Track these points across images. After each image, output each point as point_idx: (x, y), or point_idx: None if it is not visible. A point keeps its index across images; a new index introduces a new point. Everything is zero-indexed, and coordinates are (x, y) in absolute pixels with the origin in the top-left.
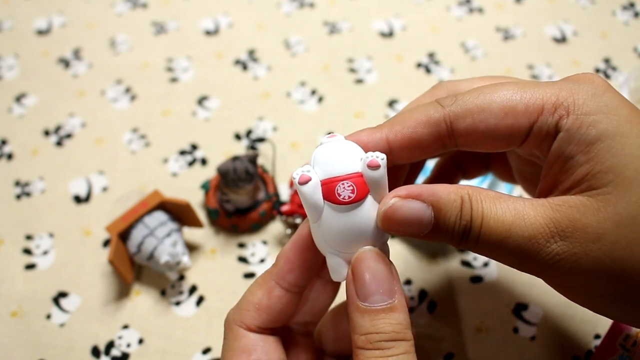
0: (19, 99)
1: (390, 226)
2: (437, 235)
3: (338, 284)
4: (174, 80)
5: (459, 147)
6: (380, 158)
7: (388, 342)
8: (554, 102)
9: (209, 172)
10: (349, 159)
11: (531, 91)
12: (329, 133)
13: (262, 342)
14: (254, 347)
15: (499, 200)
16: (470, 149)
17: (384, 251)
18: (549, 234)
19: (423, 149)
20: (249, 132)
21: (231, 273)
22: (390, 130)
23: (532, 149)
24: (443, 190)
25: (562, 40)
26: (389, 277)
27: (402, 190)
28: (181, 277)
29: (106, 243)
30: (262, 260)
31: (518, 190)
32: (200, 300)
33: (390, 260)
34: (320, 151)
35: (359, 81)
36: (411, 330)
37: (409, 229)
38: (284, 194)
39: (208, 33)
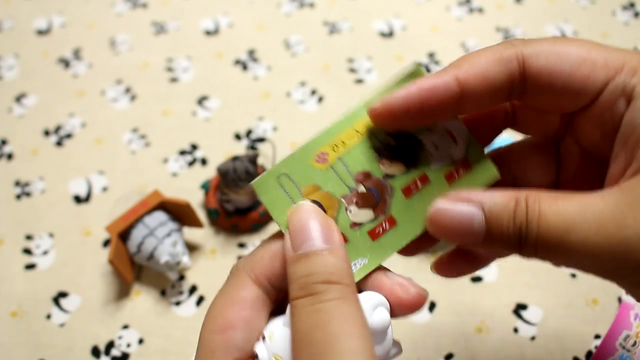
0: (19, 99)
1: (438, 231)
2: (492, 242)
3: None
4: (174, 80)
5: (526, 92)
6: None
7: (321, 285)
8: (635, 64)
9: (209, 172)
10: None
11: (612, 50)
12: None
13: (259, 301)
14: (251, 301)
15: (562, 198)
16: (537, 95)
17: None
18: (621, 218)
19: (495, 91)
20: (249, 132)
21: None
22: (458, 70)
23: (601, 111)
24: (497, 193)
25: None
26: (323, 225)
27: (452, 194)
28: (181, 277)
29: (106, 243)
30: None
31: None
32: (200, 300)
33: (325, 214)
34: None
35: (359, 81)
36: (351, 278)
37: (459, 235)
38: None
39: (208, 33)
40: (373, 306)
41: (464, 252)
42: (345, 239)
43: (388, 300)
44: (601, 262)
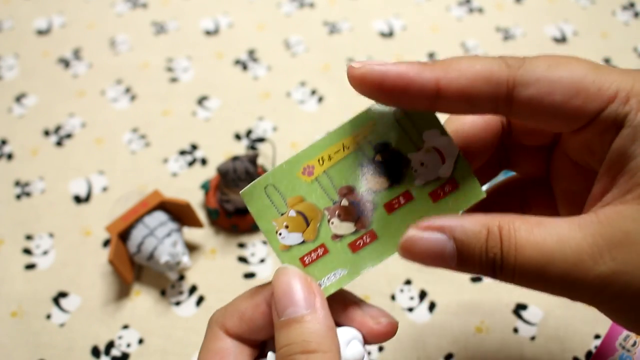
0: (19, 99)
1: (412, 259)
2: (465, 269)
3: None
4: (174, 80)
5: (511, 114)
6: None
7: (299, 356)
8: (628, 91)
9: (209, 172)
10: None
11: (606, 73)
12: None
13: (238, 350)
14: (229, 351)
15: (539, 226)
16: (524, 119)
17: None
18: (597, 254)
19: (473, 105)
20: (249, 132)
21: (231, 273)
22: (444, 74)
23: (591, 137)
24: (468, 221)
25: (562, 40)
26: (305, 289)
27: (425, 221)
28: (181, 277)
29: (106, 243)
30: (262, 260)
31: None
32: (200, 300)
33: (308, 276)
34: None
35: None
36: (330, 342)
37: (432, 262)
38: None
39: (208, 33)
40: (346, 341)
41: None
42: (327, 250)
43: (361, 331)
44: (579, 293)
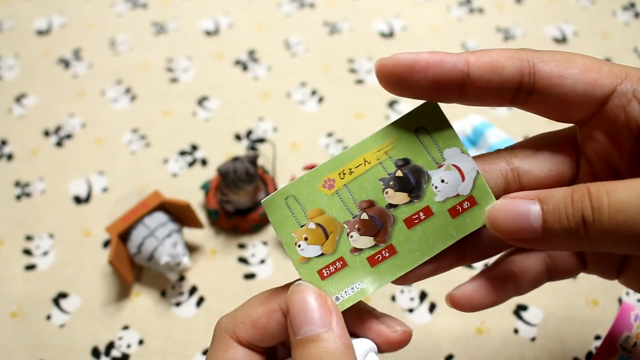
0: (19, 99)
1: (496, 228)
2: (551, 234)
3: None
4: (174, 80)
5: (533, 94)
6: None
7: None
8: (637, 74)
9: (209, 173)
10: None
11: (613, 63)
12: None
13: (249, 358)
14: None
15: (623, 184)
16: (545, 102)
17: None
18: None
19: (503, 82)
20: (249, 133)
21: (231, 274)
22: (471, 54)
23: (614, 117)
24: (553, 188)
25: (562, 40)
26: (320, 307)
27: (511, 194)
28: (181, 278)
29: (106, 244)
30: (262, 261)
31: None
32: (200, 300)
33: (324, 293)
34: None
35: (359, 81)
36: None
37: (517, 229)
38: None
39: (208, 33)
40: (363, 354)
41: (486, 280)
42: (345, 264)
43: (376, 340)
44: None
